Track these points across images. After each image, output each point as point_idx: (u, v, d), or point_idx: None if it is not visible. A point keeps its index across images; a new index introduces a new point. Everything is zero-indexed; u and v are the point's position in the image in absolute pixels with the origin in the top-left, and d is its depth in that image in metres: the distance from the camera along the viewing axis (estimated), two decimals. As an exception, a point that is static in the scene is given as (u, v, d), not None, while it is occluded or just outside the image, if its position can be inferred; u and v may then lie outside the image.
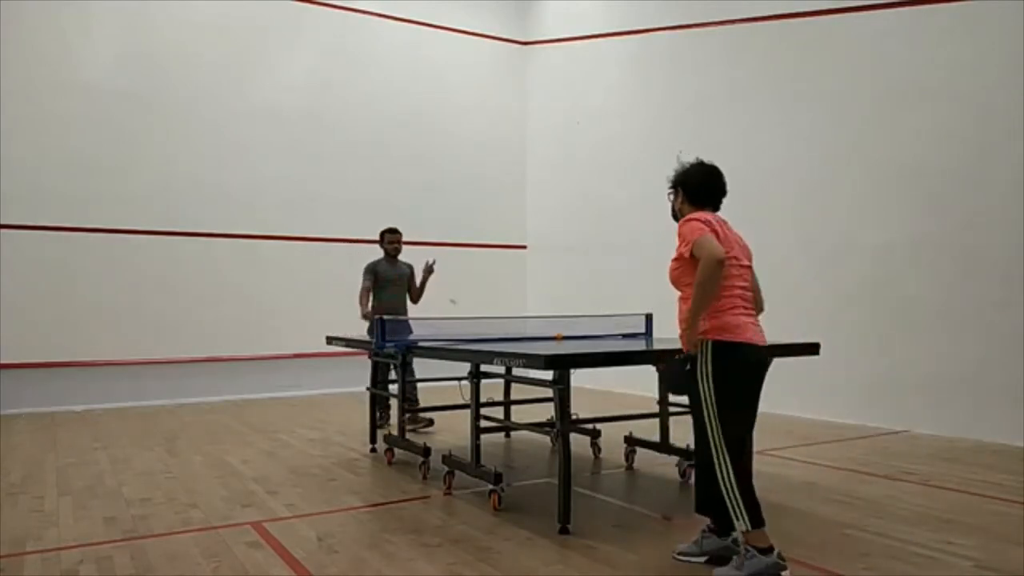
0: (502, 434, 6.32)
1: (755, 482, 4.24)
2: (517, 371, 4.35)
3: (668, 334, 5.62)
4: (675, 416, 4.93)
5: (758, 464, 4.33)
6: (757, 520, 2.95)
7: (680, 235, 3.06)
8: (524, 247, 11.50)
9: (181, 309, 8.92)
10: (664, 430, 4.96)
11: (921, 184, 6.53)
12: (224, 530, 3.76)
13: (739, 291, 3.06)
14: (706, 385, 3.01)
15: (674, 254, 3.09)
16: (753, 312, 3.13)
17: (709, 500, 3.17)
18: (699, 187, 3.23)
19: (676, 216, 3.29)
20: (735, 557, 3.02)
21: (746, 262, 3.16)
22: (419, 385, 6.47)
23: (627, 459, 5.25)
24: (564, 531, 3.64)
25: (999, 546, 3.43)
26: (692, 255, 2.94)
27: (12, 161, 8.18)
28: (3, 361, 8.01)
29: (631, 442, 5.26)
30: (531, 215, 11.50)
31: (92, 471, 5.17)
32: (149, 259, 8.83)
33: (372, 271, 6.91)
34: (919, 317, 6.52)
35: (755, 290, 3.22)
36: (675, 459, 4.87)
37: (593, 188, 10.30)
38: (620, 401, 7.36)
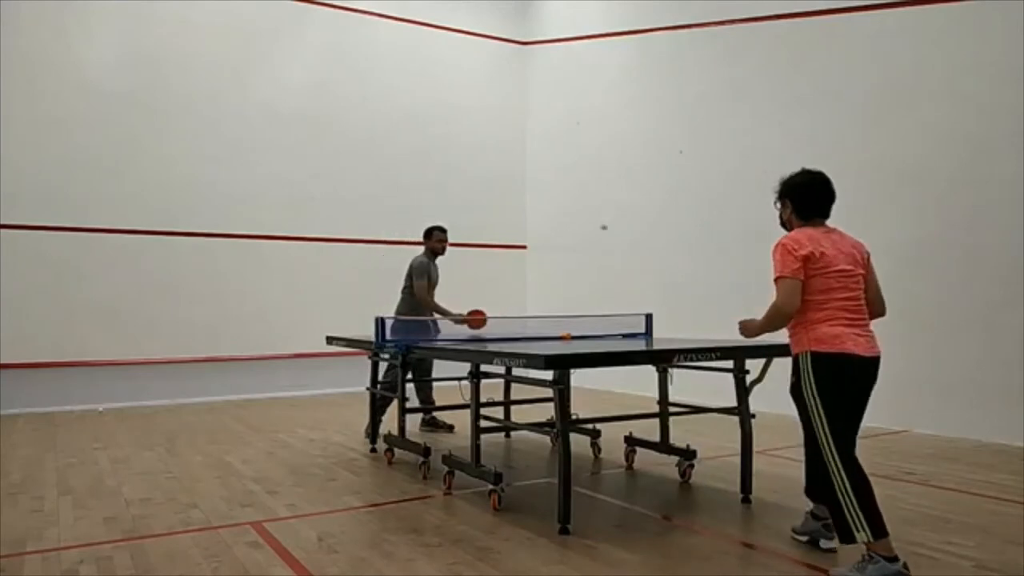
0: (502, 434, 6.32)
1: (757, 482, 4.26)
2: (517, 371, 4.35)
3: (668, 334, 5.63)
4: (675, 416, 4.94)
5: (760, 464, 4.35)
6: (878, 531, 2.89)
7: (773, 260, 3.12)
8: (524, 247, 11.50)
9: (181, 309, 8.92)
10: (664, 430, 4.96)
11: (921, 184, 6.53)
12: (224, 530, 3.76)
13: (840, 302, 3.06)
14: (812, 396, 3.05)
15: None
16: (858, 321, 3.10)
17: (815, 489, 3.31)
18: (805, 198, 3.24)
19: (784, 225, 3.35)
20: (862, 560, 2.93)
21: (856, 270, 3.13)
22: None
23: (627, 459, 5.25)
24: (564, 531, 3.64)
25: (999, 546, 3.43)
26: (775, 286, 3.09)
27: (12, 161, 8.17)
28: (3, 361, 8.01)
29: (631, 442, 5.25)
30: (531, 215, 11.49)
31: (92, 471, 5.17)
32: (149, 259, 8.83)
33: (428, 273, 6.48)
34: (919, 317, 6.51)
35: (874, 294, 3.22)
36: (675, 459, 4.87)
37: (593, 188, 10.30)
38: (620, 401, 7.37)
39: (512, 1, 11.55)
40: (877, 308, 3.24)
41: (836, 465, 2.96)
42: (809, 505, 3.46)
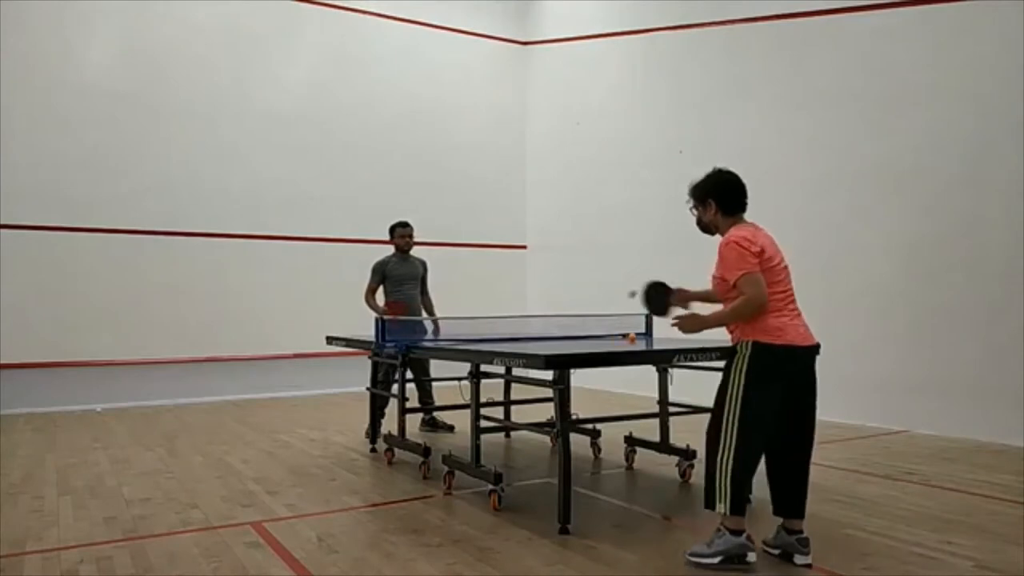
0: (502, 434, 6.31)
1: (757, 481, 4.24)
2: (517, 371, 4.34)
3: (668, 334, 5.62)
4: (675, 416, 4.94)
5: (761, 464, 4.33)
6: (737, 508, 3.09)
7: (724, 259, 3.15)
8: (524, 247, 11.50)
9: (181, 309, 8.92)
10: (664, 430, 4.96)
11: (921, 184, 6.53)
12: (224, 530, 3.76)
13: (782, 294, 3.17)
14: (737, 380, 3.12)
15: (715, 271, 3.23)
16: (797, 312, 3.21)
17: (783, 505, 3.28)
18: (730, 195, 3.30)
19: (705, 228, 3.39)
20: (714, 533, 3.16)
21: (786, 263, 3.25)
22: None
23: (627, 459, 5.25)
24: (564, 531, 3.64)
25: (999, 546, 3.43)
26: (737, 284, 3.09)
27: (12, 161, 8.18)
28: (3, 361, 8.01)
29: (631, 442, 5.25)
30: (531, 215, 11.49)
31: (92, 471, 5.17)
32: (149, 259, 8.83)
33: (379, 271, 6.62)
34: (919, 318, 6.52)
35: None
36: (675, 459, 4.86)
37: (593, 188, 10.30)
38: (620, 401, 7.37)
39: (512, 1, 11.55)
40: None
41: (730, 445, 3.08)
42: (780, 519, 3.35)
